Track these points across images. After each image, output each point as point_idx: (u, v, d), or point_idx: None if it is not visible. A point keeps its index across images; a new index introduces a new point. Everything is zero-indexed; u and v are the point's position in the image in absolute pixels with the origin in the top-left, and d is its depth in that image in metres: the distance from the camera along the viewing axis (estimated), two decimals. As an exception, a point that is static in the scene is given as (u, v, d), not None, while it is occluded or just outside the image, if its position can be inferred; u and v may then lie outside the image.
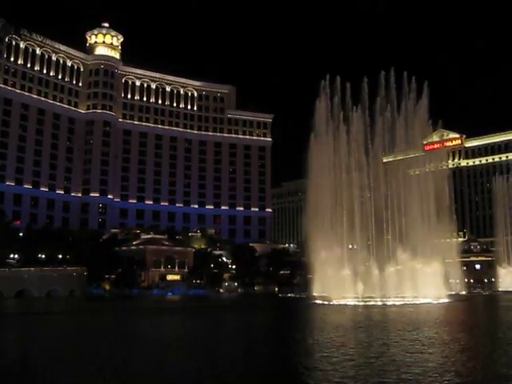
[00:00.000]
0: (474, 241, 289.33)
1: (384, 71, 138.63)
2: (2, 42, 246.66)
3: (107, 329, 56.52)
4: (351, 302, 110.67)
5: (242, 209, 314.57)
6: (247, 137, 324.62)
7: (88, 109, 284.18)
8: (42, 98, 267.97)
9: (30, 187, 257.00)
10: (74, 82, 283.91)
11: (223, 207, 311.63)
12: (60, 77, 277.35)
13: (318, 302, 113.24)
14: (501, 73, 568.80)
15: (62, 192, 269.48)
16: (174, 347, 38.49)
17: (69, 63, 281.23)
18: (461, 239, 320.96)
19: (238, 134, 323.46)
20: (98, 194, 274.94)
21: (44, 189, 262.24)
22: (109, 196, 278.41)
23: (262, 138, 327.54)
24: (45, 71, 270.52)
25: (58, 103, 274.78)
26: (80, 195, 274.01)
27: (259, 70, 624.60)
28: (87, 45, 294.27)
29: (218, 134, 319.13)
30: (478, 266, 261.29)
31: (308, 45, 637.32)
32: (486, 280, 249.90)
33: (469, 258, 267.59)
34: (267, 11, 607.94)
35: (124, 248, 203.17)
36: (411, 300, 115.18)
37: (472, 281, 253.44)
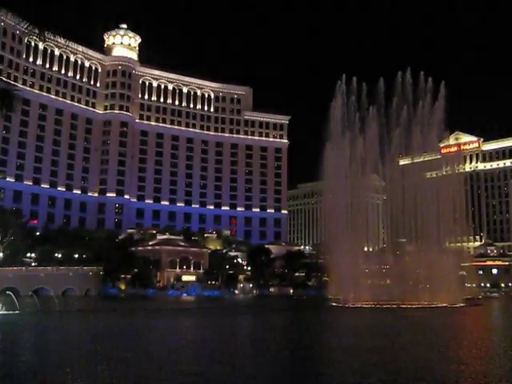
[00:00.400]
0: (490, 245, 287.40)
1: (401, 71, 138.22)
2: (21, 43, 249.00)
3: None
4: (367, 305, 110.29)
5: (257, 210, 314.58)
6: (263, 138, 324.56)
7: (105, 109, 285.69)
8: (60, 99, 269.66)
9: (48, 187, 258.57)
10: (92, 83, 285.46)
11: (239, 208, 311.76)
12: (78, 77, 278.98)
13: (333, 304, 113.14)
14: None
15: (79, 192, 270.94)
16: (219, 348, 38.83)
17: (87, 64, 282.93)
18: (477, 243, 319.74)
19: (254, 135, 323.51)
20: (114, 194, 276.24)
21: (61, 189, 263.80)
22: (125, 196, 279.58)
23: (278, 140, 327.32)
24: (63, 72, 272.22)
25: (76, 103, 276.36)
26: (97, 195, 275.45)
27: (276, 72, 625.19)
28: (105, 46, 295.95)
29: (235, 136, 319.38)
30: (494, 271, 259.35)
31: (325, 45, 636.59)
32: (502, 284, 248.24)
33: (485, 262, 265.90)
34: (284, 12, 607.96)
35: (140, 248, 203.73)
36: (427, 304, 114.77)
37: (489, 285, 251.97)
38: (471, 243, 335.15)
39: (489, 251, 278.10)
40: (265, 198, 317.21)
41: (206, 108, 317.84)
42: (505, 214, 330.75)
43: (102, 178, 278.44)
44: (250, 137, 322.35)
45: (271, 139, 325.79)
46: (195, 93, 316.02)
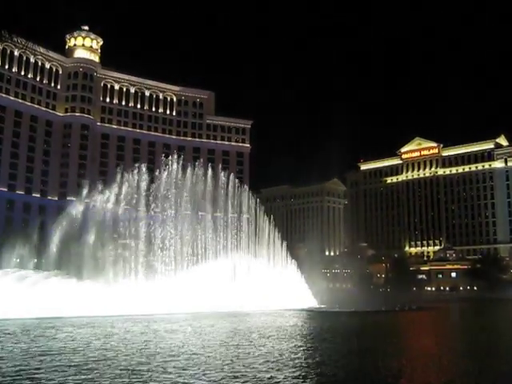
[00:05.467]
0: (450, 249, 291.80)
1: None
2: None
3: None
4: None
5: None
6: (226, 142, 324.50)
7: (66, 112, 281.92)
8: (20, 100, 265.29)
9: (6, 190, 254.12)
10: (53, 85, 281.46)
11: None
12: (38, 79, 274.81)
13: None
14: (478, 82, 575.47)
15: (39, 195, 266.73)
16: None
17: (47, 65, 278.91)
18: (437, 247, 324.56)
19: (216, 139, 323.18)
20: (74, 198, 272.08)
21: (20, 192, 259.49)
22: (86, 200, 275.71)
23: (240, 144, 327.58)
24: (22, 73, 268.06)
25: (36, 105, 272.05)
26: (56, 199, 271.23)
27: (238, 77, 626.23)
28: (66, 47, 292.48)
29: (197, 140, 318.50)
30: (453, 274, 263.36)
31: (285, 51, 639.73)
32: (461, 288, 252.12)
33: (445, 265, 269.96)
34: (245, 17, 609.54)
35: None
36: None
37: (448, 289, 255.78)
38: (431, 247, 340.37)
39: (448, 255, 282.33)
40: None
41: (168, 112, 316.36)
42: (464, 218, 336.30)
43: (63, 181, 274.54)
44: (212, 141, 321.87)
45: (234, 143, 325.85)
46: (157, 96, 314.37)
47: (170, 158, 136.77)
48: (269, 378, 29.41)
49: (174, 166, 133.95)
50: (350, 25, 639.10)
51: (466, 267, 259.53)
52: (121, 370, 32.31)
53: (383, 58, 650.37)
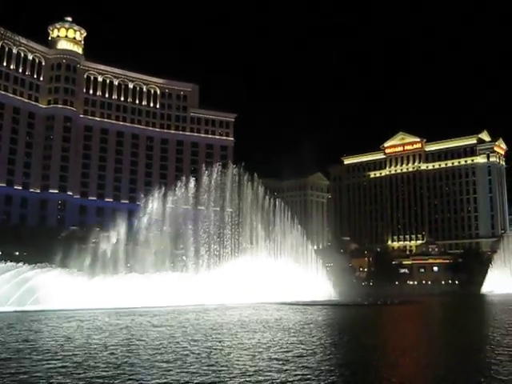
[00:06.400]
0: (432, 243, 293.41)
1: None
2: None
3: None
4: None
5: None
6: (209, 136, 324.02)
7: (49, 104, 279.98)
8: (2, 92, 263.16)
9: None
10: (35, 76, 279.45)
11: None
12: (21, 70, 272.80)
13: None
14: (463, 79, 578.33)
15: (21, 188, 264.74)
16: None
17: (30, 57, 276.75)
18: (419, 241, 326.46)
19: (200, 132, 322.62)
20: (57, 191, 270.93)
21: (2, 184, 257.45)
22: (68, 193, 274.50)
23: (224, 138, 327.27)
24: (5, 64, 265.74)
25: (18, 97, 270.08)
26: (39, 191, 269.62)
27: (222, 70, 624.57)
28: (49, 38, 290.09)
29: (181, 133, 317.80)
30: (435, 268, 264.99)
31: (271, 44, 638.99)
32: (443, 282, 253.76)
33: (427, 260, 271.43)
34: (230, 10, 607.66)
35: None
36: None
37: (430, 283, 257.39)
38: (413, 241, 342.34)
39: (430, 249, 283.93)
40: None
41: (151, 104, 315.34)
42: (446, 213, 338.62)
43: (45, 174, 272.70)
44: (195, 134, 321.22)
45: (217, 137, 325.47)
46: (141, 89, 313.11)
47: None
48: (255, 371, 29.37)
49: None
50: (350, 25, 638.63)
51: (447, 261, 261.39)
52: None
53: (383, 58, 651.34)
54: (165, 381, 26.69)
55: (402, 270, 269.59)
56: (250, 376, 27.62)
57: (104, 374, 28.23)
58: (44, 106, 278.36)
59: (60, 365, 30.76)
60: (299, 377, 27.54)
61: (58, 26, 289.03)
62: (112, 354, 35.02)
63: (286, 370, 29.50)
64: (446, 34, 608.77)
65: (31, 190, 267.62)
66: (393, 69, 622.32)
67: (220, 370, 29.24)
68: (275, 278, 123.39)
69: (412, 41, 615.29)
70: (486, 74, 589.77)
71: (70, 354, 34.94)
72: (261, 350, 37.14)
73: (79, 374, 28.27)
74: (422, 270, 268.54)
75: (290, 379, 26.96)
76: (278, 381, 26.57)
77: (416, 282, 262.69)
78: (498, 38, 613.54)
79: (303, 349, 37.64)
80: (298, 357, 33.98)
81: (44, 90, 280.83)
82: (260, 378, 27.27)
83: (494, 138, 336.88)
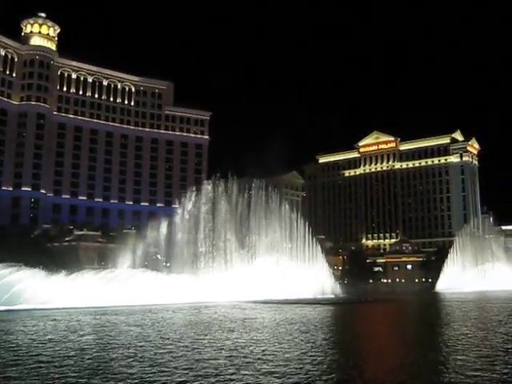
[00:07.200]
0: (406, 242, 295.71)
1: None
2: None
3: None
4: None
5: (177, 206, 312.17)
6: (184, 134, 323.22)
7: (21, 100, 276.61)
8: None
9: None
10: (8, 72, 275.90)
11: (159, 204, 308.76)
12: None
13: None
14: (436, 78, 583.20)
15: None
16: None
17: (2, 52, 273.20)
18: (393, 240, 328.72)
19: (175, 130, 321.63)
20: (30, 189, 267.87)
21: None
22: (41, 190, 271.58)
23: (199, 136, 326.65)
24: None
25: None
26: (11, 189, 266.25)
27: (198, 67, 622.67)
28: (22, 34, 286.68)
29: (155, 131, 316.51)
30: (409, 267, 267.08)
31: (248, 41, 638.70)
32: (416, 280, 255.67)
33: (401, 258, 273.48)
34: (230, 10, 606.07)
35: (56, 244, 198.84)
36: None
37: (403, 281, 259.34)
38: (387, 240, 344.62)
39: (404, 248, 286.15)
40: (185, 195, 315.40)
41: (126, 102, 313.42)
42: (419, 212, 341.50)
43: (17, 172, 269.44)
44: (170, 132, 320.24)
45: (192, 135, 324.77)
46: (115, 86, 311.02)
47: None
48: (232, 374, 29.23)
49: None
50: (350, 25, 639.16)
51: (421, 260, 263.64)
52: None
53: (383, 58, 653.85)
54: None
55: (376, 269, 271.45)
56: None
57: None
58: (17, 103, 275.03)
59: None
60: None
61: (32, 22, 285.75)
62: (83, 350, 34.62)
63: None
64: (446, 34, 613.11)
65: (3, 188, 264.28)
66: (392, 68, 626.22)
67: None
68: (251, 277, 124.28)
69: (412, 41, 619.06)
70: (487, 73, 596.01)
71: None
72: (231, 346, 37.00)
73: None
74: (396, 269, 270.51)
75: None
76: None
77: (390, 281, 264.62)
78: (498, 37, 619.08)
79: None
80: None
81: (17, 86, 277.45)
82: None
83: (467, 138, 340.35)
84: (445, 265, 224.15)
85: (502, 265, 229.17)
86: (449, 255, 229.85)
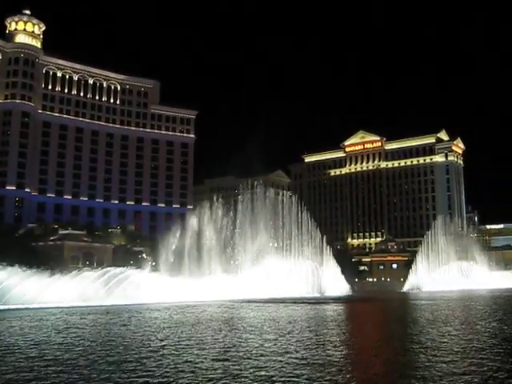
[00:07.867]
0: (391, 241, 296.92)
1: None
2: None
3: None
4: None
5: (163, 205, 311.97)
6: (170, 133, 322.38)
7: (6, 98, 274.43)
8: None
9: None
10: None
11: (144, 203, 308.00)
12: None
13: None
14: (421, 78, 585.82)
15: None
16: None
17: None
18: (379, 239, 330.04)
19: (160, 129, 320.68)
20: (14, 187, 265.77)
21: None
22: (26, 189, 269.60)
23: (185, 135, 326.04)
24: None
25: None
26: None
27: (184, 66, 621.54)
28: (6, 32, 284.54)
29: (141, 129, 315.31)
30: (394, 266, 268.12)
31: (238, 41, 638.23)
32: (401, 279, 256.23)
33: (386, 257, 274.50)
34: (192, 5, 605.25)
35: (41, 243, 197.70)
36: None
37: (389, 280, 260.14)
38: (373, 239, 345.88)
39: (389, 247, 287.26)
40: (170, 193, 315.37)
41: (111, 100, 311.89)
42: (405, 211, 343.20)
43: (1, 170, 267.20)
44: (156, 131, 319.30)
45: (178, 134, 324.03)
46: (101, 84, 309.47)
47: None
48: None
49: None
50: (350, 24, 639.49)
51: (406, 259, 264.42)
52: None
53: (374, 58, 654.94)
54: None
55: (362, 267, 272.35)
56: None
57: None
58: (1, 101, 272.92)
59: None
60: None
61: (16, 19, 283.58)
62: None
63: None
64: (446, 33, 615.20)
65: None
66: (377, 69, 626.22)
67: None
68: (239, 277, 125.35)
69: (412, 41, 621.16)
70: (473, 73, 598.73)
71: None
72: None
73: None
74: (382, 267, 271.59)
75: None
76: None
77: (375, 279, 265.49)
78: (492, 36, 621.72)
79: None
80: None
81: (1, 84, 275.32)
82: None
83: (453, 138, 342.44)
84: (413, 265, 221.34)
85: (482, 264, 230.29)
86: (417, 255, 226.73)
